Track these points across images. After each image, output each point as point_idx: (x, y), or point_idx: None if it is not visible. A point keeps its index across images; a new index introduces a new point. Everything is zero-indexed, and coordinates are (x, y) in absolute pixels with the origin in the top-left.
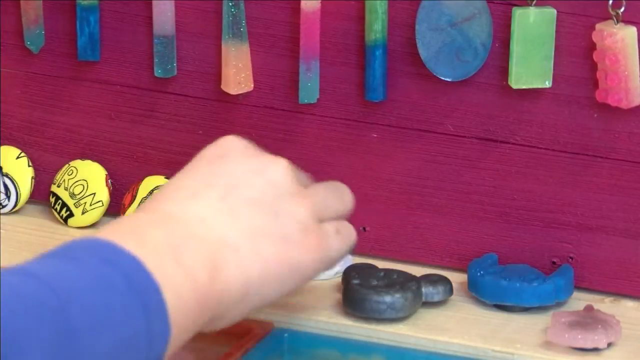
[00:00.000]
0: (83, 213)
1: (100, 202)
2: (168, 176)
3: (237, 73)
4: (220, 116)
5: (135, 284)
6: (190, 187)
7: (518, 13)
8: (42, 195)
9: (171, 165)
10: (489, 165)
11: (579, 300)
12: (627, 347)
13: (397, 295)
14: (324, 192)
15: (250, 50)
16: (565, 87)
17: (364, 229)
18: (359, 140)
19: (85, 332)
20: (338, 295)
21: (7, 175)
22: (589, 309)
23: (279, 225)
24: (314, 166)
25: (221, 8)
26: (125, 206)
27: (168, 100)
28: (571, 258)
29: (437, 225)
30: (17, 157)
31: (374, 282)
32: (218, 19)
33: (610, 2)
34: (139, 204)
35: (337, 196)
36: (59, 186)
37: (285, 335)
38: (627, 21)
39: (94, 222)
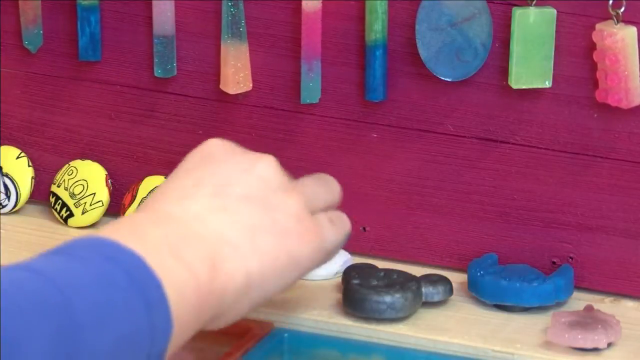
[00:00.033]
0: (83, 213)
1: (100, 202)
2: (168, 176)
3: (236, 73)
4: (220, 116)
5: (137, 280)
6: (181, 188)
7: (518, 13)
8: (42, 195)
9: (171, 165)
10: (489, 165)
11: (579, 300)
12: (627, 347)
13: (397, 295)
14: (312, 184)
15: (251, 50)
16: (565, 87)
17: (364, 229)
18: (359, 140)
19: (88, 328)
20: (338, 295)
21: (7, 175)
22: (589, 309)
23: (273, 219)
24: (314, 166)
25: (221, 8)
26: (125, 206)
27: (168, 100)
28: (571, 258)
29: (437, 225)
30: (17, 157)
31: (374, 282)
32: (218, 19)
33: (610, 2)
34: (138, 204)
35: (325, 187)
36: (59, 186)
37: (285, 335)
38: (627, 21)
39: (94, 222)
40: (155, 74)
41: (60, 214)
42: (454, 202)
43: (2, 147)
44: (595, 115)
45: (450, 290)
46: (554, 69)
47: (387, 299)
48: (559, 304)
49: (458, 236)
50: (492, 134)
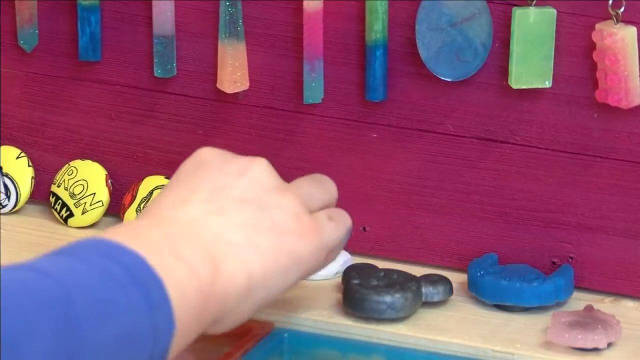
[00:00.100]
0: (83, 213)
1: (100, 202)
2: (168, 176)
3: (233, 72)
4: (220, 116)
5: (139, 280)
6: (177, 195)
7: (518, 13)
8: (42, 195)
9: (171, 165)
10: (489, 165)
11: (579, 300)
12: (627, 347)
13: (397, 295)
14: (307, 184)
15: (251, 50)
16: (565, 87)
17: (364, 229)
18: (359, 140)
19: (89, 324)
20: (338, 295)
21: (7, 175)
22: (589, 309)
23: (270, 218)
24: (314, 166)
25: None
26: (125, 206)
27: (168, 100)
28: (571, 258)
29: (437, 225)
30: (17, 157)
31: (374, 282)
32: (217, 19)
33: (610, 2)
34: (138, 205)
35: (321, 187)
36: (59, 186)
37: (285, 335)
38: (627, 21)
39: (94, 222)
40: (155, 74)
41: (60, 214)
42: (454, 202)
43: (2, 147)
44: (595, 115)
45: (450, 290)
46: (554, 69)
47: (387, 299)
48: (559, 304)
49: (458, 236)
50: (492, 134)
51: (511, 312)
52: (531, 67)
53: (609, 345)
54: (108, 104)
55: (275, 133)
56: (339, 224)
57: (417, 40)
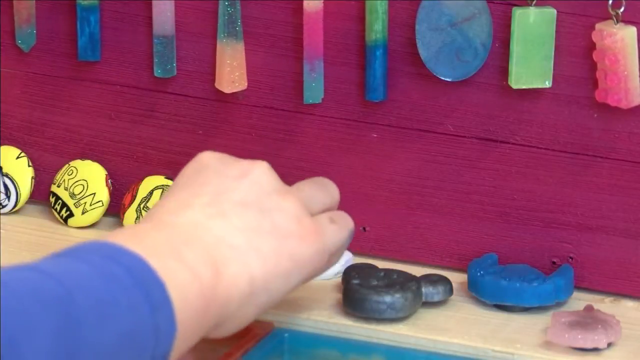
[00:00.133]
0: (83, 213)
1: (100, 202)
2: (168, 176)
3: (232, 72)
4: (220, 116)
5: (141, 281)
6: (179, 200)
7: (518, 13)
8: (42, 195)
9: (171, 165)
10: (489, 165)
11: (579, 300)
12: (627, 347)
13: (397, 295)
14: (309, 186)
15: (251, 50)
16: (565, 87)
17: (364, 229)
18: (359, 140)
19: (90, 323)
20: (338, 295)
21: (7, 175)
22: (589, 309)
23: (272, 221)
24: (314, 166)
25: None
26: (125, 206)
27: (168, 100)
28: (571, 258)
29: (437, 225)
30: (17, 157)
31: (374, 282)
32: (217, 19)
33: (610, 2)
34: (138, 205)
35: (323, 189)
36: (59, 186)
37: (285, 335)
38: (627, 21)
39: (94, 222)
40: (155, 74)
41: (60, 214)
42: (454, 202)
43: (2, 147)
44: (595, 115)
45: (450, 290)
46: (554, 69)
47: (387, 299)
48: (559, 304)
49: (458, 236)
50: (492, 134)
51: (511, 312)
52: (531, 67)
53: (609, 345)
54: (108, 104)
55: (275, 133)
56: (341, 226)
57: (417, 40)
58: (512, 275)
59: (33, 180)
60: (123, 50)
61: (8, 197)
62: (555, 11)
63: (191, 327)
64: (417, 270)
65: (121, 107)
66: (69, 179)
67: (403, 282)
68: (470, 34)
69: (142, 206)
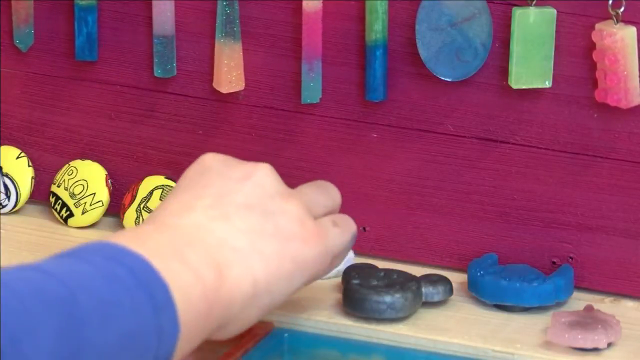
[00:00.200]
0: (83, 213)
1: (100, 202)
2: (168, 176)
3: (229, 72)
4: (220, 116)
5: (144, 282)
6: (182, 202)
7: (518, 13)
8: (42, 195)
9: (171, 165)
10: (489, 165)
11: (579, 300)
12: (627, 347)
13: (397, 295)
14: (311, 189)
15: (251, 50)
16: (565, 87)
17: (364, 229)
18: (359, 140)
19: (93, 323)
20: (338, 295)
21: (7, 175)
22: (589, 309)
23: (274, 224)
24: (314, 166)
25: None
26: (125, 206)
27: (168, 100)
28: (571, 258)
29: (437, 225)
30: (17, 157)
31: (374, 282)
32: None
33: (610, 2)
34: (138, 205)
35: (324, 192)
36: (59, 186)
37: (285, 335)
38: (627, 21)
39: (94, 222)
40: (155, 74)
41: (60, 214)
42: (454, 202)
43: (2, 147)
44: (595, 115)
45: (450, 290)
46: (554, 69)
47: (387, 299)
48: (559, 304)
49: (458, 236)
50: (492, 134)
51: (511, 312)
52: (531, 67)
53: (609, 345)
54: (108, 104)
55: (275, 133)
56: (344, 229)
57: (417, 40)
58: (512, 275)
59: (33, 180)
60: (123, 50)
61: (8, 197)
62: (555, 11)
63: (194, 328)
64: (417, 270)
65: (121, 107)
66: (69, 179)
67: (403, 282)
68: (470, 34)
69: (142, 206)
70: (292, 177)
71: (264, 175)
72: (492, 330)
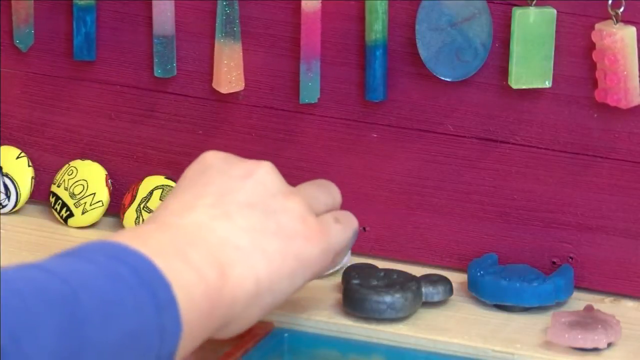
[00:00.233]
0: (83, 213)
1: (100, 202)
2: (168, 176)
3: (229, 72)
4: (220, 116)
5: (146, 281)
6: (183, 201)
7: (518, 13)
8: (42, 195)
9: (171, 165)
10: (489, 165)
11: (579, 300)
12: (627, 347)
13: (397, 295)
14: (312, 187)
15: (251, 50)
16: (565, 87)
17: (364, 229)
18: (359, 140)
19: (94, 322)
20: (338, 295)
21: (7, 175)
22: (589, 309)
23: (276, 222)
24: (314, 166)
25: None
26: (125, 206)
27: (168, 100)
28: (571, 258)
29: (437, 225)
30: (17, 157)
31: (374, 282)
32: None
33: (610, 2)
34: (138, 205)
35: (325, 190)
36: (59, 186)
37: (285, 335)
38: (627, 21)
39: (94, 222)
40: (155, 74)
41: (60, 214)
42: (454, 202)
43: (2, 147)
44: (595, 115)
45: (450, 290)
46: (554, 69)
47: (387, 299)
48: (559, 304)
49: (458, 236)
50: (492, 134)
51: (511, 312)
52: (531, 67)
53: (609, 345)
54: (108, 104)
55: (275, 133)
56: (346, 226)
57: (417, 40)
58: (512, 275)
59: (33, 180)
60: (123, 50)
61: (8, 197)
62: (555, 11)
63: (197, 327)
64: (417, 270)
65: (121, 107)
66: (69, 179)
67: (403, 282)
68: (470, 34)
69: (142, 206)
70: (292, 177)
71: (265, 173)
72: (492, 330)
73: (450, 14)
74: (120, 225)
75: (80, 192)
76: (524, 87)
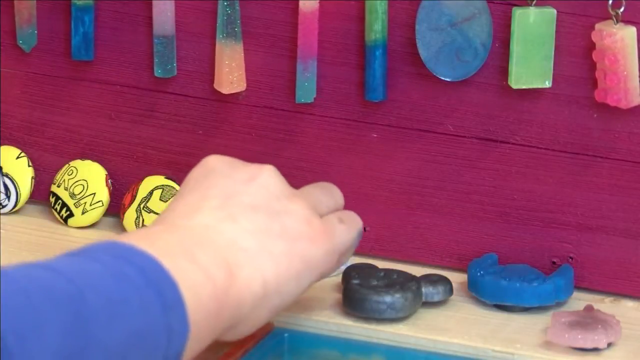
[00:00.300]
0: (83, 213)
1: (100, 202)
2: (168, 176)
3: (230, 72)
4: (220, 116)
5: (153, 281)
6: (188, 204)
7: (518, 13)
8: (42, 195)
9: (171, 165)
10: (489, 165)
11: (579, 300)
12: (627, 347)
13: (397, 295)
14: (315, 190)
15: (251, 50)
16: (565, 87)
17: (364, 229)
18: (359, 140)
19: (100, 321)
20: (338, 295)
21: (7, 175)
22: (589, 309)
23: (281, 224)
24: (314, 166)
25: None
26: (125, 206)
27: (168, 100)
28: (571, 258)
29: (437, 225)
30: (17, 157)
31: (374, 282)
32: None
33: (610, 2)
34: (138, 205)
35: (327, 193)
36: (59, 186)
37: (285, 335)
38: (627, 21)
39: (94, 222)
40: (155, 74)
41: (60, 214)
42: (454, 202)
43: (2, 147)
44: (595, 115)
45: (450, 290)
46: (554, 69)
47: (387, 299)
48: (559, 304)
49: (458, 236)
50: (492, 134)
51: (511, 312)
52: (531, 67)
53: (609, 345)
54: (108, 104)
55: (275, 133)
56: (350, 226)
57: (417, 40)
58: (512, 275)
59: (33, 180)
60: (123, 50)
61: (8, 197)
62: (555, 11)
63: (204, 328)
64: (417, 270)
65: (121, 107)
66: (69, 179)
67: (403, 282)
68: (470, 34)
69: (142, 206)
70: (292, 177)
71: (268, 176)
72: (492, 330)
73: (450, 14)
74: (120, 225)
75: (80, 192)
76: (524, 87)
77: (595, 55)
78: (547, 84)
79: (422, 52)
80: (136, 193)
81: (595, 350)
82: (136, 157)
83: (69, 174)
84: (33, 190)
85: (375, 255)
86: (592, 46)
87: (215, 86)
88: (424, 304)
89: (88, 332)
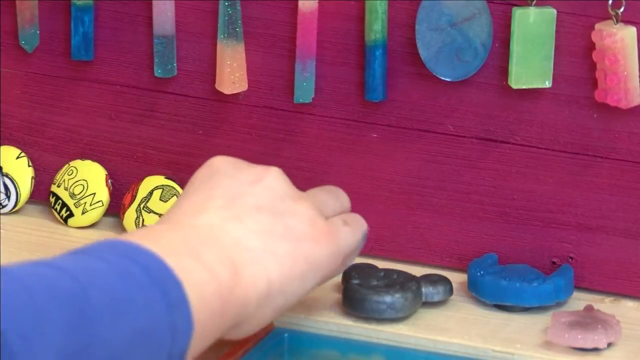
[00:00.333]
0: (83, 213)
1: (100, 202)
2: (168, 176)
3: (232, 72)
4: (220, 116)
5: (157, 279)
6: (193, 204)
7: (518, 13)
8: (42, 195)
9: (171, 165)
10: (489, 165)
11: (579, 300)
12: (627, 347)
13: (397, 295)
14: (320, 193)
15: (251, 50)
16: (565, 87)
17: None
18: (359, 140)
19: (104, 320)
20: (338, 295)
21: (7, 175)
22: (589, 309)
23: (286, 225)
24: (314, 166)
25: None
26: (125, 206)
27: (168, 100)
28: (571, 258)
29: (437, 225)
30: (17, 157)
31: (374, 282)
32: (217, 19)
33: (610, 2)
34: (138, 205)
35: (333, 196)
36: (59, 186)
37: (285, 335)
38: (627, 21)
39: (94, 222)
40: (155, 74)
41: (60, 214)
42: (454, 202)
43: (2, 147)
44: (595, 115)
45: (450, 290)
46: (554, 69)
47: (387, 299)
48: (559, 304)
49: (458, 236)
50: (492, 134)
51: (511, 312)
52: (531, 67)
53: (609, 345)
54: (108, 104)
55: (275, 133)
56: (355, 228)
57: (417, 40)
58: (512, 275)
59: (33, 180)
60: (123, 50)
61: (8, 197)
62: (555, 11)
63: (208, 327)
64: (417, 270)
65: (121, 107)
66: (69, 179)
67: (403, 282)
68: (470, 34)
69: (142, 206)
70: (292, 177)
71: (274, 178)
72: (492, 330)
73: (450, 14)
74: (120, 225)
75: (80, 192)
76: (524, 87)
77: (595, 56)
78: (547, 84)
79: (422, 52)
80: (136, 193)
81: (595, 350)
82: (136, 157)
83: (69, 174)
84: (33, 190)
85: (375, 255)
86: (592, 46)
87: (217, 86)
88: (424, 304)
89: (92, 331)
